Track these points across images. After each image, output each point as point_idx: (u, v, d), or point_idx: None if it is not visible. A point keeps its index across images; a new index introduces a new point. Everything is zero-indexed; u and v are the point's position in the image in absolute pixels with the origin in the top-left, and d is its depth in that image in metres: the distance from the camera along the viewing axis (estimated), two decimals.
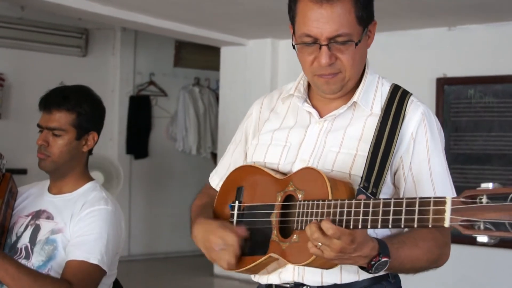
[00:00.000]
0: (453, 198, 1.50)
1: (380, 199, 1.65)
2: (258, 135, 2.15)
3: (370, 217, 1.64)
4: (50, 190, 2.78)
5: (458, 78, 6.72)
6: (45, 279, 2.48)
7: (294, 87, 2.12)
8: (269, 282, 2.02)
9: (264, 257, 1.89)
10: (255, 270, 1.98)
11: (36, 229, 2.68)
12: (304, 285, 1.95)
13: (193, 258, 8.98)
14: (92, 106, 2.78)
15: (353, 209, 1.67)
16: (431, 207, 1.52)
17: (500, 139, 6.37)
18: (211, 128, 9.25)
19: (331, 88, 1.98)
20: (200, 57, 9.29)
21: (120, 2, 6.31)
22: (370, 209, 1.63)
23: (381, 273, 1.81)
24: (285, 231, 1.87)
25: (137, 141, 9.02)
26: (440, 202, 1.50)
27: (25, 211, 2.77)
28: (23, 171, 3.24)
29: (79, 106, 2.71)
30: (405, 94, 1.99)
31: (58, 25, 8.23)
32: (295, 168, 1.98)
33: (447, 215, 1.48)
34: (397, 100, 1.97)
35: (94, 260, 2.54)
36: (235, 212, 2.02)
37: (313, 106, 2.07)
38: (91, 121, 2.77)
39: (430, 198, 1.54)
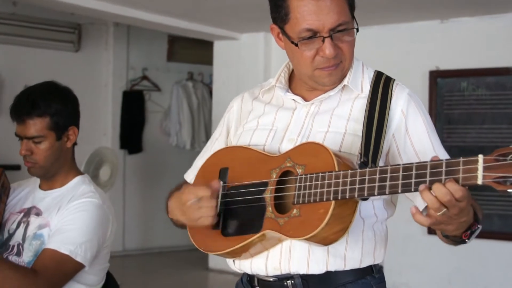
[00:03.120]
0: (485, 156, 1.48)
1: (399, 164, 1.62)
2: (243, 125, 2.13)
3: (388, 183, 1.61)
4: (41, 186, 2.78)
5: (451, 70, 6.73)
6: (11, 269, 2.46)
7: (276, 79, 2.11)
8: (253, 271, 1.99)
9: (257, 235, 1.85)
10: (240, 252, 1.93)
11: (27, 226, 2.67)
12: (290, 276, 1.93)
13: (187, 253, 8.99)
14: (63, 102, 2.73)
15: (367, 177, 1.64)
16: (461, 167, 1.49)
17: (493, 131, 6.39)
18: (205, 123, 9.26)
19: (332, 79, 1.97)
20: (193, 51, 9.30)
21: None
22: (388, 175, 1.60)
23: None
24: (281, 208, 1.84)
25: (131, 136, 9.03)
26: (471, 161, 1.48)
27: (17, 208, 2.77)
28: (16, 167, 3.24)
29: (49, 107, 2.65)
30: (389, 79, 1.99)
31: (50, 20, 8.22)
32: (283, 148, 1.96)
33: (480, 173, 1.46)
34: (382, 83, 1.96)
35: (65, 250, 2.50)
36: (219, 192, 1.95)
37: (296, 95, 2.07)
38: (66, 117, 2.72)
39: (459, 158, 1.51)
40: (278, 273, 1.94)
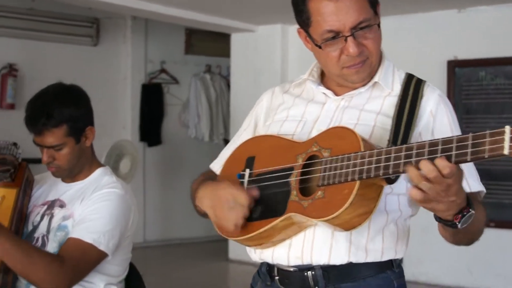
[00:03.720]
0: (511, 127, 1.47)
1: (425, 141, 1.59)
2: (272, 116, 2.13)
3: (414, 159, 1.58)
4: (63, 180, 2.79)
5: (469, 60, 6.71)
6: (39, 255, 2.47)
7: (308, 73, 2.12)
8: (274, 261, 1.99)
9: (280, 218, 1.84)
10: (263, 238, 1.92)
11: (51, 218, 2.69)
12: (311, 267, 1.93)
13: (208, 244, 9.04)
14: (76, 106, 2.71)
15: (393, 155, 1.63)
16: (487, 139, 1.47)
17: None
18: (223, 115, 9.26)
19: (361, 76, 1.98)
20: (210, 44, 9.31)
21: None
22: (414, 151, 1.58)
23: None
24: (307, 192, 1.83)
25: (150, 129, 9.06)
26: (498, 132, 1.46)
27: (40, 200, 2.79)
28: (37, 161, 3.24)
29: (64, 116, 2.64)
30: (420, 80, 1.99)
31: (68, 15, 8.25)
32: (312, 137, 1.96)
33: (506, 143, 1.44)
34: (413, 84, 1.97)
35: (88, 239, 2.52)
36: (246, 179, 1.97)
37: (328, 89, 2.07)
38: (82, 120, 2.71)
39: (485, 131, 1.49)
40: (299, 262, 1.93)
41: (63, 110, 2.64)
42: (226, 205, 1.90)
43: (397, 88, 1.98)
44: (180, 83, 9.30)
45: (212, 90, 9.26)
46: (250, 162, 2.00)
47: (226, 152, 2.20)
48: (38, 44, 7.93)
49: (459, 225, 1.66)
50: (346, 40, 1.90)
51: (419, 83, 1.97)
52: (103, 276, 2.63)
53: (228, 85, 9.03)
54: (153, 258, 7.97)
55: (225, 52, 8.56)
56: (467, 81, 6.72)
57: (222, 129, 9.24)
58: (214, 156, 7.99)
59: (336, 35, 1.90)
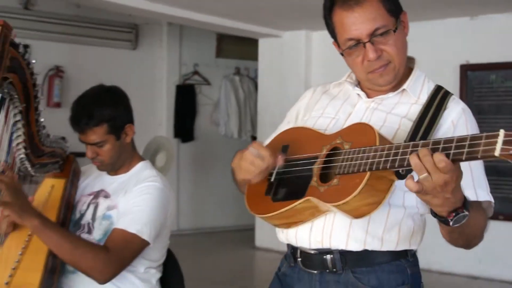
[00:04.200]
0: (506, 131, 1.44)
1: (429, 140, 1.60)
2: (310, 112, 2.15)
3: (418, 149, 1.58)
4: (108, 172, 2.81)
5: (481, 64, 6.68)
6: (86, 246, 2.49)
7: (347, 75, 2.13)
8: (297, 244, 2.00)
9: (300, 201, 1.86)
10: (286, 218, 1.93)
11: (96, 207, 2.71)
12: (329, 251, 1.93)
13: (236, 232, 9.07)
14: (115, 106, 2.72)
15: (401, 150, 1.63)
16: (483, 140, 1.46)
17: None
18: (251, 114, 9.26)
19: (385, 79, 1.98)
20: (239, 48, 9.30)
21: None
22: (419, 148, 1.58)
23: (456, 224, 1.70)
24: (326, 179, 1.84)
25: (184, 126, 9.08)
26: (492, 135, 1.45)
27: (87, 191, 2.81)
28: (81, 154, 3.28)
29: (104, 116, 2.65)
30: (448, 92, 1.99)
31: (110, 21, 8.30)
32: None
33: (498, 146, 1.42)
34: (440, 95, 1.96)
35: (132, 230, 2.53)
36: (277, 165, 1.96)
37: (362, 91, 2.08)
38: (121, 119, 2.71)
39: (482, 134, 1.48)
40: (319, 246, 1.94)
41: (103, 110, 2.65)
42: (250, 156, 1.92)
43: (424, 98, 1.97)
44: (211, 84, 9.31)
45: (241, 90, 9.27)
46: (284, 150, 2.01)
47: (267, 141, 2.21)
48: (82, 48, 7.99)
49: (451, 223, 1.65)
50: (365, 46, 1.92)
51: (446, 95, 1.96)
52: (144, 261, 2.65)
53: (256, 86, 9.04)
54: (186, 245, 7.99)
55: (253, 55, 8.57)
56: (479, 83, 6.69)
57: (249, 127, 9.25)
58: None
59: (356, 43, 1.92)
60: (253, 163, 1.91)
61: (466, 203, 1.66)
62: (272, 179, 1.96)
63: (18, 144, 2.38)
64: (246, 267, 7.65)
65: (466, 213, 1.65)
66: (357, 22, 1.92)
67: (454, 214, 1.64)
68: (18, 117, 2.31)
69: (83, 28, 8.08)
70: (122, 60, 8.47)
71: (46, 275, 2.45)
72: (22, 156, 2.42)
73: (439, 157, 1.52)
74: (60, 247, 2.42)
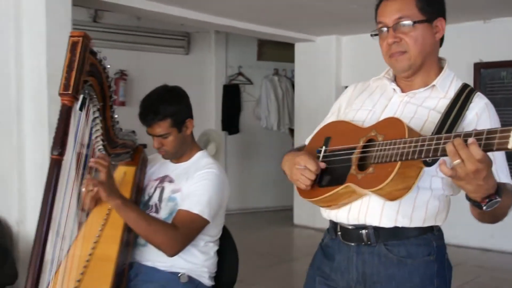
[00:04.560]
0: None
1: (451, 133, 1.60)
2: (351, 105, 2.14)
3: (440, 146, 1.59)
4: (171, 160, 2.83)
5: (492, 62, 6.61)
6: (158, 224, 2.52)
7: (385, 71, 2.13)
8: (338, 220, 2.01)
9: (341, 187, 1.87)
10: (330, 201, 1.95)
11: (162, 190, 2.74)
12: (365, 226, 1.94)
13: (276, 212, 9.09)
14: (177, 103, 2.74)
15: (426, 142, 1.63)
16: (497, 134, 1.46)
17: None
18: (288, 109, 9.22)
19: (400, 66, 1.97)
20: (278, 52, 9.26)
21: (214, 10, 6.37)
22: (442, 141, 1.58)
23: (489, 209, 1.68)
24: (363, 167, 1.85)
25: (230, 121, 9.09)
26: (506, 130, 1.45)
27: (154, 176, 2.83)
28: (144, 146, 3.35)
29: (168, 111, 2.68)
30: (473, 89, 1.98)
31: (166, 30, 8.35)
32: None
33: (511, 139, 1.43)
34: (466, 92, 1.95)
35: (196, 211, 2.56)
36: (321, 154, 2.00)
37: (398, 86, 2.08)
38: (182, 114, 2.74)
39: (497, 128, 1.49)
40: (356, 222, 1.95)
41: (167, 107, 2.68)
42: (299, 166, 1.93)
43: (452, 93, 1.96)
44: (253, 83, 9.30)
45: (279, 89, 9.24)
46: (327, 141, 2.02)
47: (316, 131, 2.21)
48: (143, 54, 8.05)
49: (484, 208, 1.64)
50: (388, 31, 1.94)
51: (471, 91, 1.95)
52: (204, 236, 2.68)
53: (292, 85, 9.00)
54: (233, 223, 7.98)
55: (290, 58, 8.54)
56: (491, 79, 6.62)
57: (287, 120, 9.21)
58: (281, 141, 8.23)
59: (383, 27, 1.95)
60: (304, 175, 1.92)
61: (499, 190, 1.64)
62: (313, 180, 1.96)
63: (96, 137, 2.41)
64: (285, 241, 7.65)
65: (499, 199, 1.64)
66: (387, 10, 1.95)
67: (487, 200, 1.63)
68: (97, 114, 2.35)
69: (143, 37, 8.14)
70: (176, 64, 8.51)
71: (122, 248, 2.49)
72: (100, 147, 2.45)
73: (475, 149, 1.50)
74: (137, 224, 2.45)
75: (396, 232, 1.93)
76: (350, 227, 1.98)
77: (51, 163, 1.95)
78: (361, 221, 1.95)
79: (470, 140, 1.51)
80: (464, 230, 6.00)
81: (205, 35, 8.88)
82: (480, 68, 6.67)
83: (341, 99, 2.26)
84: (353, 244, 1.98)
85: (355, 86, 2.23)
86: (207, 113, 8.85)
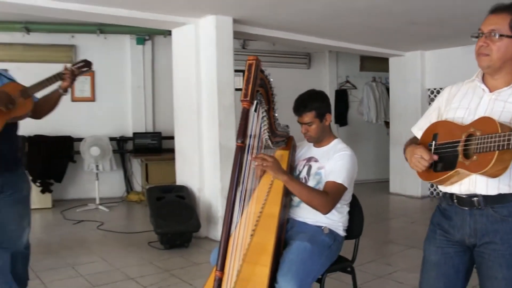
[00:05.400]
0: None
1: None
2: (450, 105, 2.06)
3: None
4: (314, 145, 2.82)
5: None
6: (315, 191, 2.52)
7: (475, 75, 2.03)
8: (452, 191, 1.95)
9: (453, 171, 1.84)
10: (443, 181, 1.91)
11: (309, 168, 2.73)
12: (475, 195, 1.88)
13: (376, 183, 8.92)
14: (320, 101, 2.72)
15: None
16: None
17: None
18: (384, 106, 8.99)
19: (481, 63, 1.89)
20: (375, 64, 9.07)
21: (329, 35, 6.33)
22: None
23: None
24: (467, 155, 1.81)
25: (341, 116, 9.00)
26: None
27: (302, 157, 2.83)
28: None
29: (313, 106, 2.67)
30: None
31: (293, 52, 8.43)
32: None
33: None
34: None
35: (339, 180, 2.55)
36: (432, 148, 1.95)
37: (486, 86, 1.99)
38: (324, 109, 2.71)
39: None
40: (468, 192, 1.90)
41: (313, 103, 2.68)
42: (417, 157, 1.91)
43: None
44: (357, 88, 9.13)
45: (377, 92, 9.03)
46: (435, 137, 1.97)
47: (421, 122, 2.15)
48: (277, 70, 8.02)
49: None
50: (482, 36, 1.86)
51: None
52: (341, 200, 2.65)
53: (387, 89, 8.79)
54: None
55: (385, 69, 8.32)
56: None
57: (383, 115, 8.97)
58: (379, 131, 8.04)
59: (480, 32, 1.87)
60: (420, 163, 1.90)
61: None
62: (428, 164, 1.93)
63: (264, 130, 2.45)
64: (383, 205, 7.50)
65: None
66: (487, 22, 1.87)
67: None
68: (264, 114, 2.38)
69: (276, 57, 8.24)
70: (301, 76, 8.55)
71: (282, 208, 2.51)
72: (266, 137, 2.48)
73: None
74: (300, 192, 2.47)
75: (500, 198, 1.86)
76: (464, 196, 1.93)
77: (236, 148, 1.99)
78: (471, 191, 1.90)
79: None
80: None
81: (321, 54, 8.86)
82: None
83: (440, 98, 2.15)
84: (466, 208, 1.93)
85: (450, 89, 2.12)
86: None
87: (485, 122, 1.77)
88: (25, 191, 2.86)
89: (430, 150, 1.95)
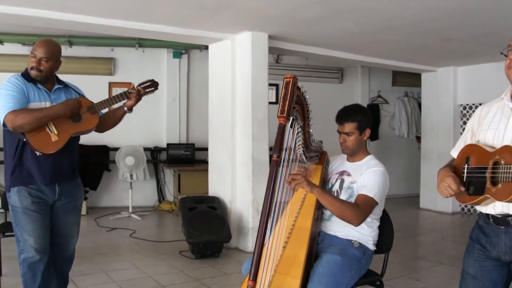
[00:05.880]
0: None
1: None
2: (481, 126, 2.08)
3: None
4: (347, 159, 2.82)
5: None
6: (347, 204, 2.52)
7: (504, 94, 2.06)
8: (487, 212, 2.00)
9: (482, 197, 1.88)
10: (477, 203, 1.96)
11: (342, 181, 2.74)
12: (510, 215, 1.92)
13: (406, 198, 8.83)
14: (363, 115, 2.73)
15: None
16: None
17: None
18: (415, 121, 8.95)
19: (509, 77, 1.93)
20: (407, 79, 9.03)
21: (361, 51, 6.36)
22: None
23: None
24: (494, 182, 1.84)
25: (372, 130, 8.84)
26: None
27: (334, 171, 2.84)
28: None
29: (357, 118, 2.69)
30: None
31: (326, 66, 8.45)
32: (504, 142, 1.93)
33: None
34: None
35: (371, 194, 2.55)
36: (465, 171, 1.99)
37: None
38: (365, 123, 2.73)
39: None
40: (502, 212, 1.94)
41: (357, 115, 2.70)
42: (445, 185, 1.95)
43: None
44: (389, 103, 9.11)
45: (408, 107, 9.00)
46: (467, 160, 2.00)
47: (459, 144, 2.17)
48: (309, 84, 8.06)
49: None
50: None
51: None
52: (371, 215, 2.65)
53: (418, 104, 8.74)
54: None
55: (417, 84, 8.29)
56: None
57: (414, 130, 8.93)
58: (410, 146, 8.04)
59: (510, 49, 1.91)
60: (447, 190, 1.94)
61: None
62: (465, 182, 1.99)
63: (299, 145, 2.48)
64: (413, 220, 7.42)
65: None
66: None
67: None
68: (300, 129, 2.42)
69: (309, 71, 8.29)
70: (333, 90, 8.58)
71: (314, 221, 2.53)
72: (301, 152, 2.51)
73: None
74: (332, 205, 2.47)
75: None
76: (499, 216, 1.96)
77: (272, 162, 2.04)
78: (505, 211, 1.94)
79: None
80: None
81: (354, 69, 8.87)
82: None
83: (473, 119, 2.18)
84: (502, 227, 1.96)
85: (482, 108, 2.14)
86: None
87: (507, 151, 1.81)
88: (80, 201, 2.98)
89: (463, 172, 1.98)
